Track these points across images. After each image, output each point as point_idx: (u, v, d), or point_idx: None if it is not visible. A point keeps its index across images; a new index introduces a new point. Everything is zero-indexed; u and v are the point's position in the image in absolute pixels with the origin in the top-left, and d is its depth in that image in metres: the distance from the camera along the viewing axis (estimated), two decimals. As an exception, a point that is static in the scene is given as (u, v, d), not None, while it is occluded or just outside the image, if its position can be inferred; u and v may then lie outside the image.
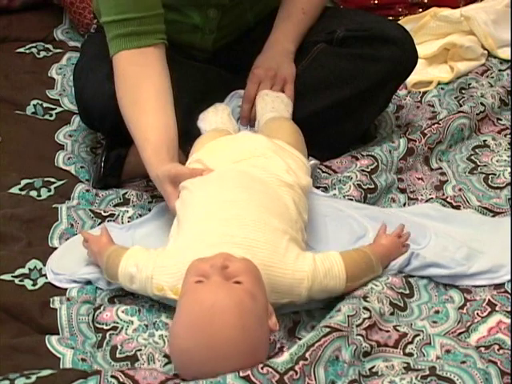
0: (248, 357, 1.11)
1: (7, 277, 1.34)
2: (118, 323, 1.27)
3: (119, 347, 1.22)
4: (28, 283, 1.34)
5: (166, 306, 1.29)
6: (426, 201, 1.56)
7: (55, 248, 1.42)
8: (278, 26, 1.68)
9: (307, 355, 1.13)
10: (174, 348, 1.15)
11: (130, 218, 1.50)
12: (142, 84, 1.48)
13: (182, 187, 1.37)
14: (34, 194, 1.58)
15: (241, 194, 1.31)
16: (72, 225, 1.48)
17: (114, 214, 1.51)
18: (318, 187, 1.57)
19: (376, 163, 1.60)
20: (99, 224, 1.48)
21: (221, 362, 1.10)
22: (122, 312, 1.29)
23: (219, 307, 1.10)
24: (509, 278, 1.33)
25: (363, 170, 1.58)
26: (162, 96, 1.48)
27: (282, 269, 1.22)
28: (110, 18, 1.51)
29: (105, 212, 1.52)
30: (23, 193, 1.58)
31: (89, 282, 1.35)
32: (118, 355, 1.21)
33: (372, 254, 1.30)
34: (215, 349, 1.09)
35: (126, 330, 1.26)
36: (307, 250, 1.32)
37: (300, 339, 1.22)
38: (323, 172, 1.62)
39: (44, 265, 1.37)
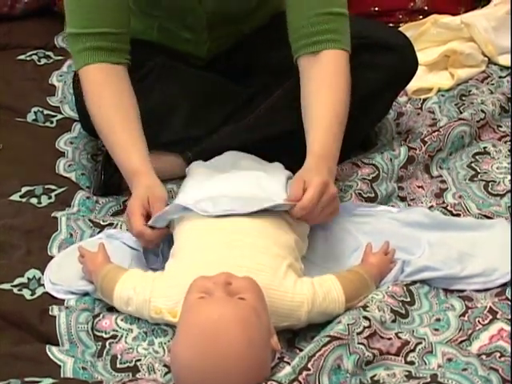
0: (252, 372, 1.10)
1: (6, 286, 1.34)
2: (117, 331, 1.27)
3: (119, 357, 1.22)
4: (26, 293, 1.34)
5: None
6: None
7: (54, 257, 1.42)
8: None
9: (309, 365, 1.13)
10: (176, 363, 1.13)
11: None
12: (124, 93, 1.49)
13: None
14: (34, 201, 1.58)
15: (241, 220, 1.31)
16: (71, 234, 1.47)
17: (113, 224, 1.51)
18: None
19: (377, 172, 1.60)
20: (98, 233, 1.48)
21: (225, 377, 1.08)
22: (121, 320, 1.29)
23: (224, 321, 1.09)
24: (502, 281, 1.33)
25: (364, 179, 1.58)
26: (138, 113, 1.49)
27: (282, 292, 1.22)
28: (79, 29, 1.50)
29: (104, 221, 1.51)
30: (24, 200, 1.58)
31: (87, 293, 1.35)
32: (118, 365, 1.20)
33: (365, 273, 1.31)
34: (220, 363, 1.08)
35: (126, 338, 1.26)
36: (306, 265, 1.33)
37: (300, 350, 1.22)
38: (324, 179, 1.62)
39: (43, 274, 1.37)
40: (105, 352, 1.24)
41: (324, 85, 1.47)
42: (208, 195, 1.37)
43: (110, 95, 1.49)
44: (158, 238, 1.37)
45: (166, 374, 1.18)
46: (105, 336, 1.26)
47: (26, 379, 1.13)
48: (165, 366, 1.19)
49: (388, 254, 1.36)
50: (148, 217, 1.37)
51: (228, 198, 1.36)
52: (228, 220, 1.31)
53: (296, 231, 1.35)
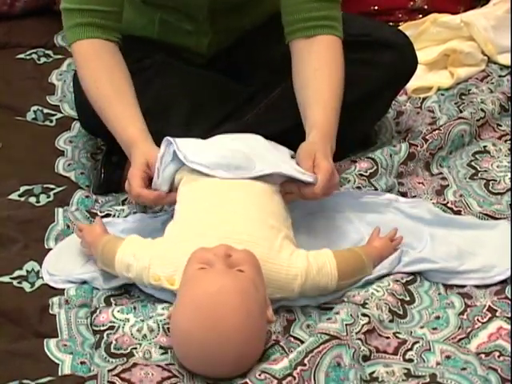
0: (248, 342, 1.14)
1: (5, 279, 1.35)
2: (114, 322, 1.27)
3: (114, 342, 1.22)
4: (26, 285, 1.34)
5: (160, 301, 1.30)
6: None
7: (51, 249, 1.42)
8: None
9: (306, 361, 1.14)
10: (176, 331, 1.16)
11: (126, 217, 1.51)
12: (116, 67, 1.51)
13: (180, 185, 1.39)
14: (33, 200, 1.58)
15: (237, 193, 1.33)
16: (68, 226, 1.48)
17: (110, 214, 1.52)
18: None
19: (375, 167, 1.60)
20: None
21: (222, 346, 1.11)
22: (118, 311, 1.29)
23: (224, 292, 1.12)
24: (501, 278, 1.34)
25: (362, 175, 1.58)
26: (131, 85, 1.51)
27: (277, 265, 1.25)
28: (73, 5, 1.52)
29: (101, 212, 1.52)
30: (22, 199, 1.58)
31: (85, 282, 1.36)
32: (112, 350, 1.21)
33: (364, 254, 1.32)
34: (218, 332, 1.11)
35: (123, 328, 1.26)
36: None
37: (295, 338, 1.23)
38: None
39: (41, 266, 1.38)
40: (103, 342, 1.24)
41: (324, 65, 1.50)
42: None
43: (103, 69, 1.51)
44: (156, 199, 1.39)
45: (162, 354, 1.20)
46: (103, 329, 1.27)
47: (24, 381, 1.13)
48: (161, 347, 1.21)
49: (394, 241, 1.37)
50: (150, 180, 1.39)
51: (225, 148, 1.39)
52: (225, 194, 1.33)
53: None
